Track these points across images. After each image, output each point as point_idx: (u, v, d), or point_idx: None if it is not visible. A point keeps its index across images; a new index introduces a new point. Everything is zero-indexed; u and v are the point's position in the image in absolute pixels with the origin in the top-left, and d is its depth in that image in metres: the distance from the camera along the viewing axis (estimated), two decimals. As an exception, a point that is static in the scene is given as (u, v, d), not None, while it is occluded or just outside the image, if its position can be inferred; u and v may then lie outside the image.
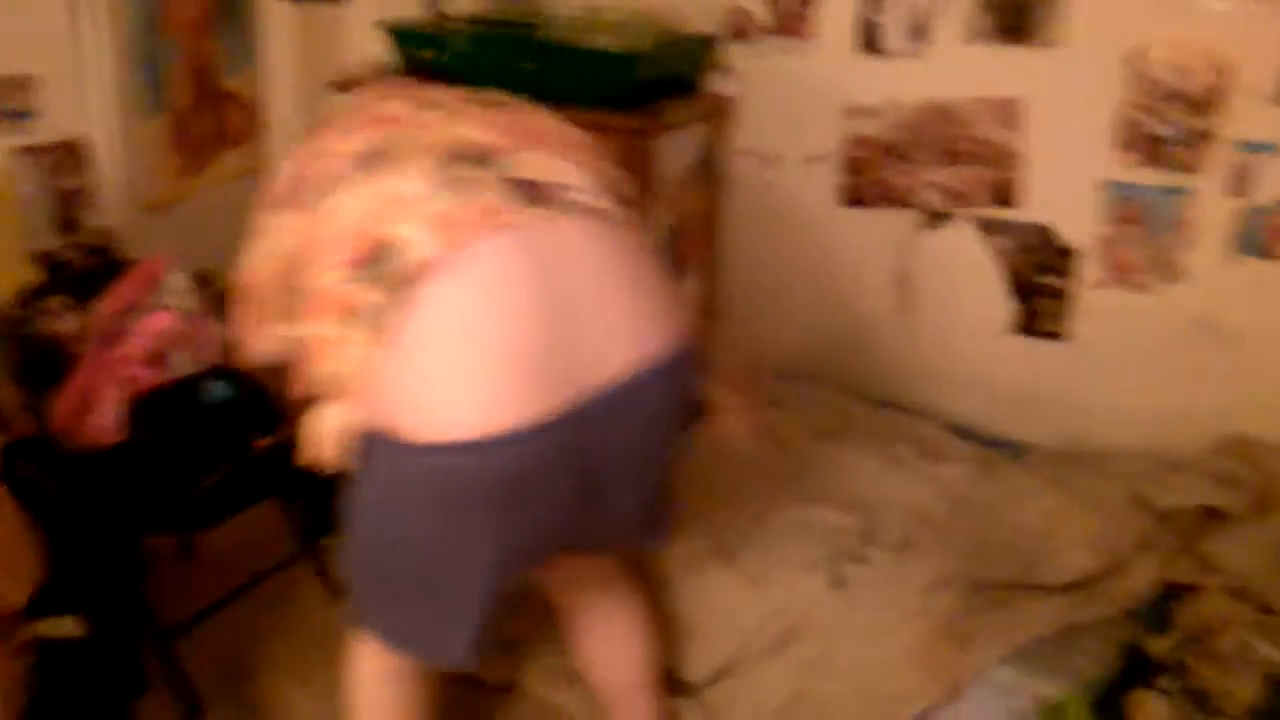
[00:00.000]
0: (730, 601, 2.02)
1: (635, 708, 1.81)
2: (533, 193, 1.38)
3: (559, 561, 1.67)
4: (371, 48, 2.93)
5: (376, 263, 1.32)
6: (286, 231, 1.47)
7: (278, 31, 2.93)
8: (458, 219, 1.32)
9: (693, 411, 1.54)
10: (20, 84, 2.35)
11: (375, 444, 1.37)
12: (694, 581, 2.05)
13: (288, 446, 1.67)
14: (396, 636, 1.54)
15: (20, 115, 2.36)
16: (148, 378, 2.05)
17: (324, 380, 1.41)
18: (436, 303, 1.30)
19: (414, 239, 1.31)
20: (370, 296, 1.31)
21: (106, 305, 2.12)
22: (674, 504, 1.64)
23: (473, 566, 1.42)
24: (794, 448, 2.40)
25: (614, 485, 1.43)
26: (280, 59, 2.95)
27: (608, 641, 1.78)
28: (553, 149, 1.47)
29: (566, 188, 1.41)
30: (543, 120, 1.57)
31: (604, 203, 1.44)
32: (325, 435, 1.48)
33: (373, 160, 1.41)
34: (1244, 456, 2.29)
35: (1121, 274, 2.45)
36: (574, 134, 1.57)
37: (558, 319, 1.32)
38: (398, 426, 1.32)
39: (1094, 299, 2.50)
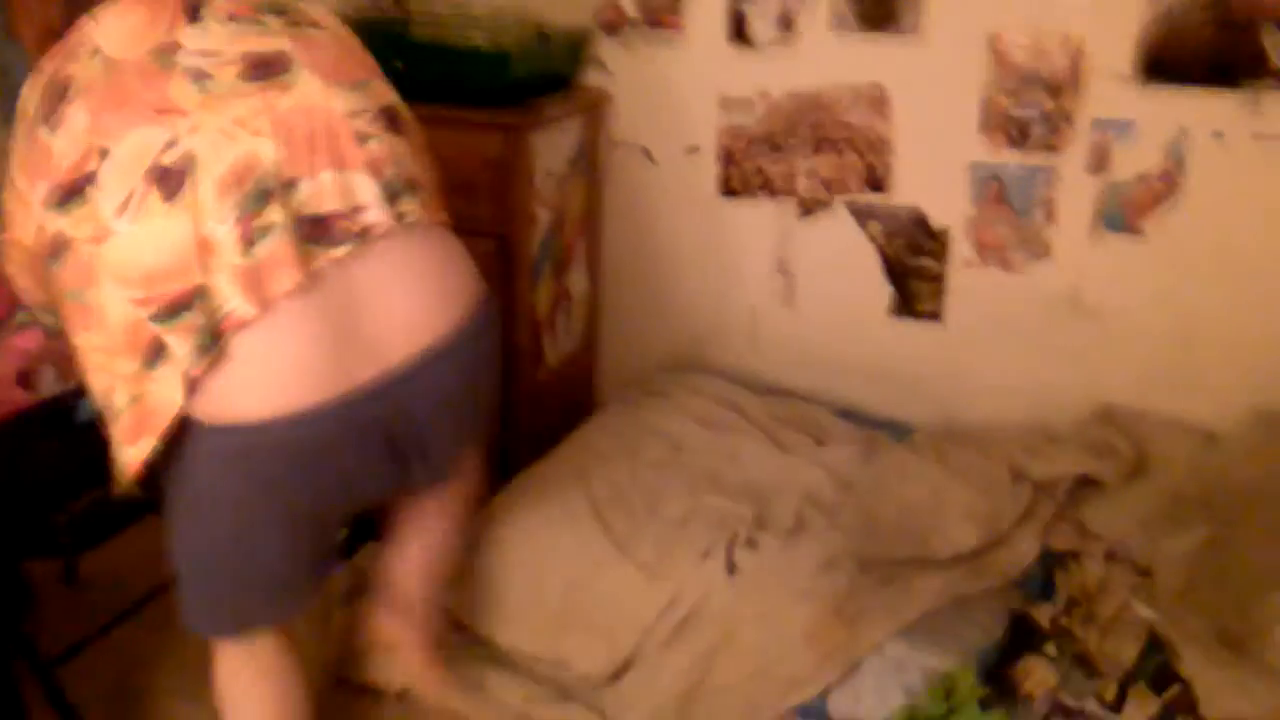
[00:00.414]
0: (628, 595, 2.03)
1: (419, 616, 1.94)
2: (324, 233, 1.46)
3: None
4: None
5: (187, 310, 1.39)
6: (59, 218, 1.44)
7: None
8: (261, 275, 1.40)
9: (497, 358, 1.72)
10: None
11: (179, 443, 1.44)
12: (592, 577, 2.05)
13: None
14: (225, 620, 1.64)
15: None
16: (20, 399, 1.98)
17: (106, 397, 1.48)
18: (244, 351, 1.40)
19: (226, 292, 1.39)
20: (178, 341, 1.39)
21: (-37, 329, 2.04)
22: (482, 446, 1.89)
23: (281, 530, 1.54)
24: (683, 439, 2.41)
25: (428, 444, 1.60)
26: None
27: (418, 550, 1.90)
28: (339, 145, 1.50)
29: (357, 210, 1.49)
30: (325, 58, 1.56)
31: (389, 214, 1.51)
32: (129, 469, 1.48)
33: (171, 181, 1.40)
34: (1116, 426, 2.37)
35: (991, 253, 2.53)
36: (354, 69, 1.60)
37: (342, 335, 1.46)
38: (197, 419, 1.42)
39: (966, 279, 2.56)
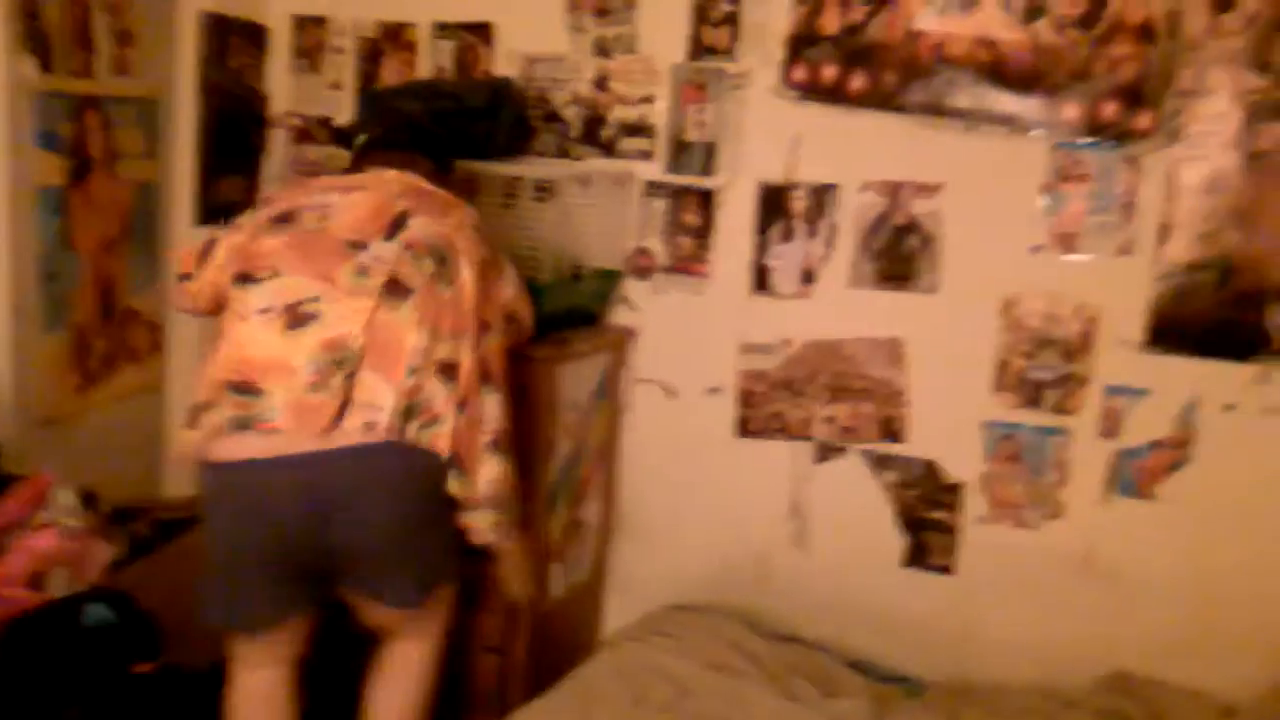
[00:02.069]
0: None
1: None
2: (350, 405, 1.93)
3: (362, 605, 2.13)
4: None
5: (246, 391, 1.91)
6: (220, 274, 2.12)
7: (185, 253, 2.97)
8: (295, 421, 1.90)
9: (440, 501, 2.03)
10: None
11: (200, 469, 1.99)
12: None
13: (169, 673, 1.62)
14: (212, 614, 2.03)
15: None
16: (25, 598, 1.98)
17: None
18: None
19: (275, 400, 1.90)
20: (226, 403, 1.93)
21: (-12, 523, 2.06)
22: (434, 586, 2.13)
23: (244, 550, 1.97)
24: (690, 683, 2.37)
25: (344, 519, 1.94)
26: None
27: (383, 685, 2.21)
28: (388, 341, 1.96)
29: (376, 409, 1.92)
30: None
31: (394, 426, 1.92)
32: None
33: (297, 319, 1.95)
34: (1130, 693, 2.32)
35: (1005, 510, 2.54)
36: (445, 323, 2.03)
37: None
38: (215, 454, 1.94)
39: (980, 534, 2.57)
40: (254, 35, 3.09)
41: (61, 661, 1.90)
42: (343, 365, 1.91)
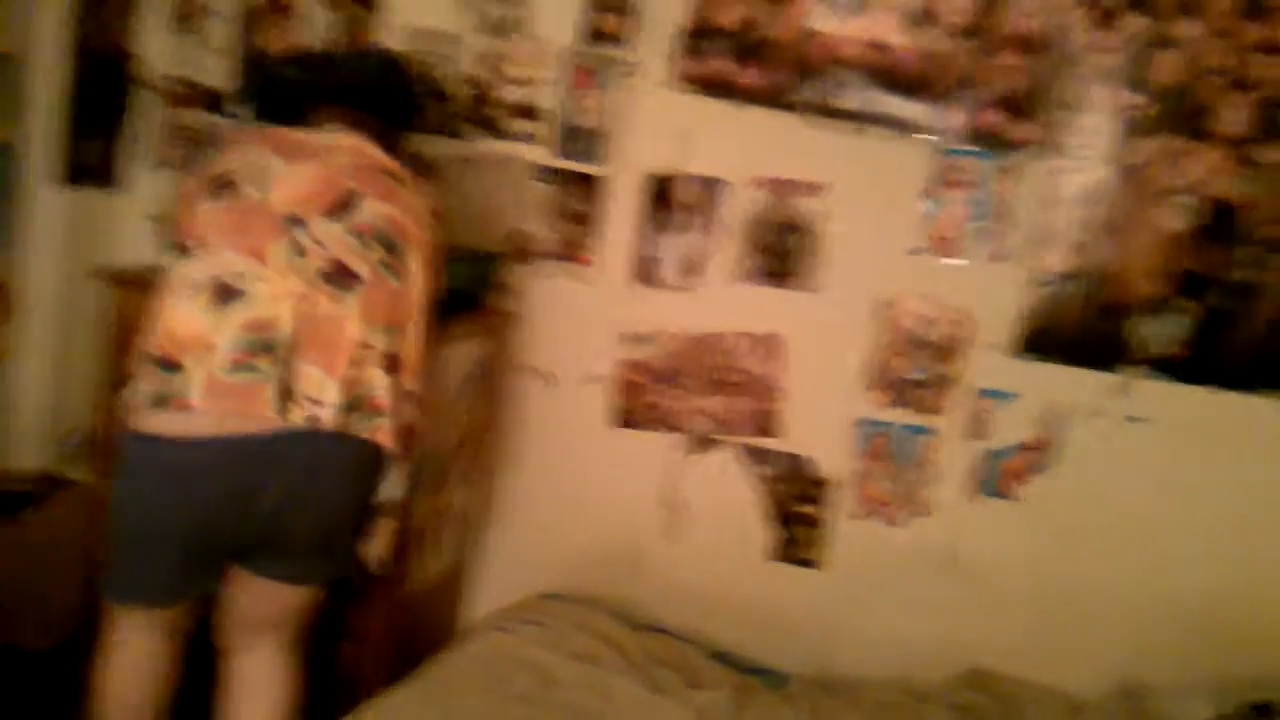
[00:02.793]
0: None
1: None
2: (288, 400, 1.87)
3: (242, 588, 2.05)
4: (142, 239, 2.88)
5: (167, 366, 1.86)
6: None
7: (43, 215, 2.83)
8: (221, 392, 1.84)
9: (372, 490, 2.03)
10: None
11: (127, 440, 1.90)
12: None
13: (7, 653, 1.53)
14: (117, 587, 1.97)
15: None
16: None
17: None
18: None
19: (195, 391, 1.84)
20: (148, 378, 1.89)
21: None
22: (342, 569, 2.12)
23: (158, 525, 1.89)
24: (554, 672, 2.34)
25: (279, 502, 1.88)
26: (43, 243, 2.84)
27: (246, 691, 2.10)
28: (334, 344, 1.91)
29: (318, 403, 1.88)
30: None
31: (339, 421, 1.89)
32: None
33: (226, 293, 1.88)
34: (984, 689, 2.37)
35: (873, 506, 2.58)
36: (391, 317, 2.00)
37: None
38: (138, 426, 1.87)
39: (847, 529, 2.61)
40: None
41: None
42: (271, 349, 1.85)
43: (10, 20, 2.70)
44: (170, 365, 1.85)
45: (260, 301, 1.87)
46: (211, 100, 2.95)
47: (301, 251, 1.91)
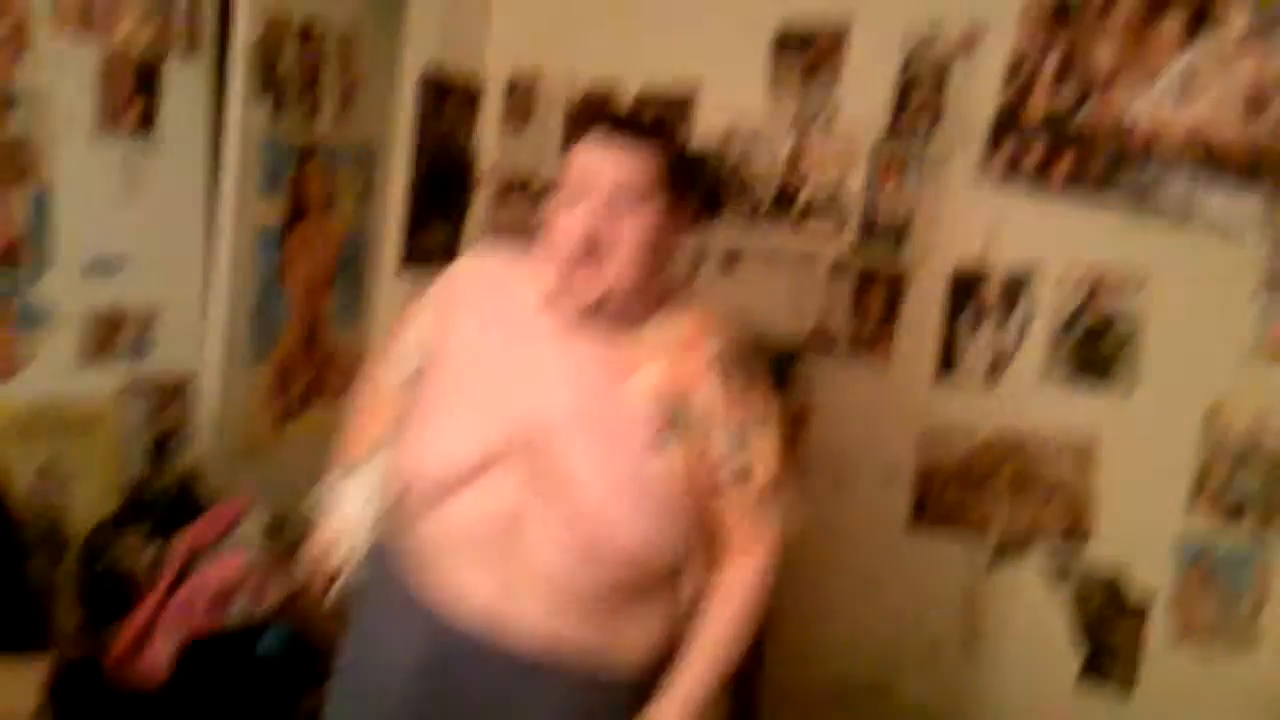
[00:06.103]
0: None
1: None
2: None
3: None
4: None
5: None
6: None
7: (389, 295, 3.10)
8: None
9: None
10: (146, 316, 2.51)
11: None
12: None
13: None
14: None
15: (139, 347, 2.50)
16: (206, 622, 2.07)
17: None
18: None
19: None
20: None
21: (183, 542, 2.18)
22: None
23: None
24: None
25: None
26: (387, 321, 3.10)
27: None
28: None
29: None
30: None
31: None
32: None
33: None
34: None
35: (1194, 633, 2.38)
36: None
37: None
38: None
39: (1162, 655, 2.41)
40: (468, 97, 3.23)
41: (235, 688, 1.98)
42: None
43: (369, 118, 3.01)
44: None
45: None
46: (541, 192, 3.16)
47: None
